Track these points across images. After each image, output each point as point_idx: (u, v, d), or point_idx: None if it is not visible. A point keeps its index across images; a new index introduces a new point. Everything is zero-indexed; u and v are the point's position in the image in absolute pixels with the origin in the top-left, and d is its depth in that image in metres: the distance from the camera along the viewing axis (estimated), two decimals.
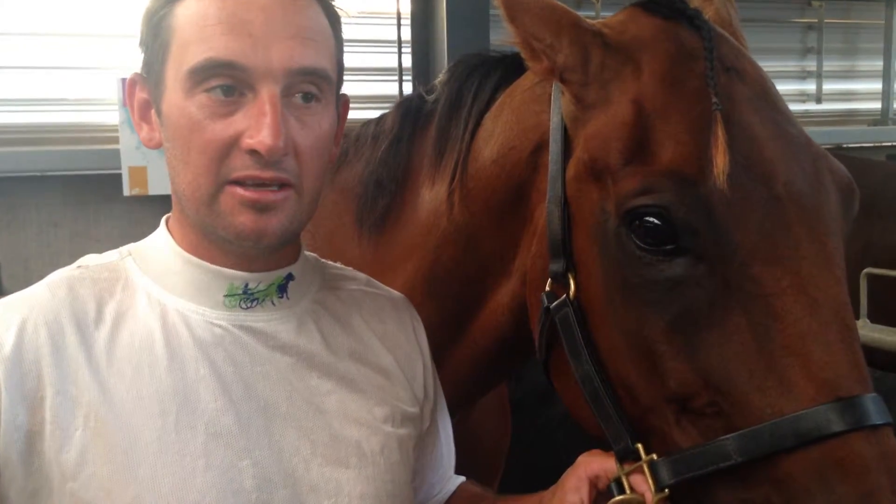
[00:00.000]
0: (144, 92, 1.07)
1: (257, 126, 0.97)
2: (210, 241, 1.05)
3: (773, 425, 0.92)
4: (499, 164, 1.30)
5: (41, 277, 1.07)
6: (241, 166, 0.98)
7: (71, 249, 4.24)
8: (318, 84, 1.03)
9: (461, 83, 1.44)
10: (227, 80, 0.98)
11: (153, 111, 1.07)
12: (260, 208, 0.99)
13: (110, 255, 1.10)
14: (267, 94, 0.98)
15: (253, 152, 0.97)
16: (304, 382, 1.07)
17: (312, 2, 1.06)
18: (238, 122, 0.98)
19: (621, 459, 1.06)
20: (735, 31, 1.23)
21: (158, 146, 1.07)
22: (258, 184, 0.99)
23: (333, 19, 1.09)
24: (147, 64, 1.06)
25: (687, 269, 0.99)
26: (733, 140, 0.98)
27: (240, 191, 0.98)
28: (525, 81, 1.33)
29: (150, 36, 1.04)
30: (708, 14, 1.23)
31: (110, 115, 4.19)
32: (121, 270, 1.07)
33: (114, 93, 4.06)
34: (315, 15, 1.05)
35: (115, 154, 4.08)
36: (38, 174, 4.19)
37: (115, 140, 4.10)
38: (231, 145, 0.98)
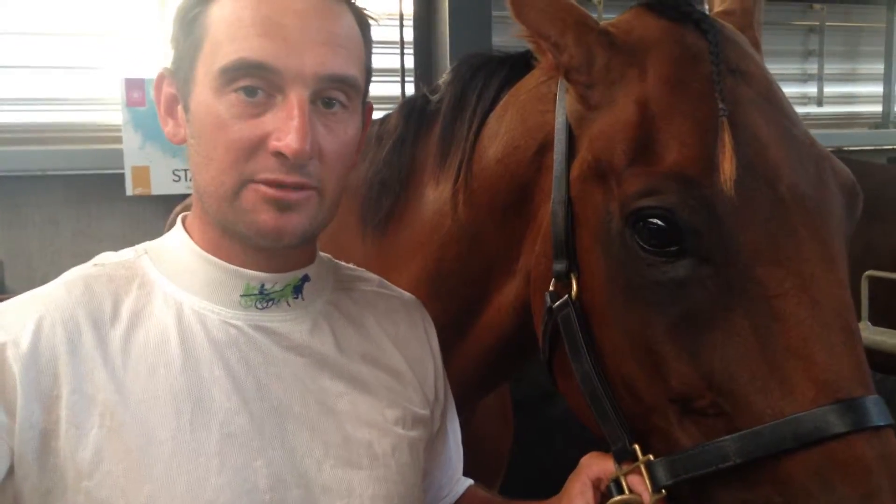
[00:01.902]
0: (172, 87, 1.07)
1: (285, 129, 0.97)
2: (229, 240, 1.05)
3: (773, 427, 0.92)
4: (503, 163, 1.30)
5: (43, 276, 1.07)
6: (266, 168, 0.98)
7: (73, 248, 4.25)
8: (346, 91, 1.03)
9: (465, 83, 1.44)
10: (257, 82, 0.98)
11: (180, 107, 1.07)
12: (281, 207, 0.99)
13: (126, 253, 1.10)
14: (296, 97, 0.98)
15: (279, 154, 0.97)
16: (316, 383, 1.07)
17: (346, 10, 1.06)
18: (266, 123, 0.98)
19: (619, 460, 1.06)
20: (753, 20, 1.23)
21: (182, 142, 1.07)
22: (281, 185, 0.99)
23: (364, 27, 1.10)
24: (177, 60, 1.06)
25: (690, 271, 0.99)
26: (738, 143, 0.98)
27: (262, 188, 0.99)
28: (530, 80, 1.33)
29: (182, 33, 1.04)
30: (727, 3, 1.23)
31: (113, 115, 4.18)
32: (137, 268, 1.07)
33: (117, 93, 4.07)
34: (349, 23, 1.06)
35: (118, 154, 4.09)
36: (41, 173, 4.19)
37: (118, 140, 4.10)
38: (257, 146, 0.98)
